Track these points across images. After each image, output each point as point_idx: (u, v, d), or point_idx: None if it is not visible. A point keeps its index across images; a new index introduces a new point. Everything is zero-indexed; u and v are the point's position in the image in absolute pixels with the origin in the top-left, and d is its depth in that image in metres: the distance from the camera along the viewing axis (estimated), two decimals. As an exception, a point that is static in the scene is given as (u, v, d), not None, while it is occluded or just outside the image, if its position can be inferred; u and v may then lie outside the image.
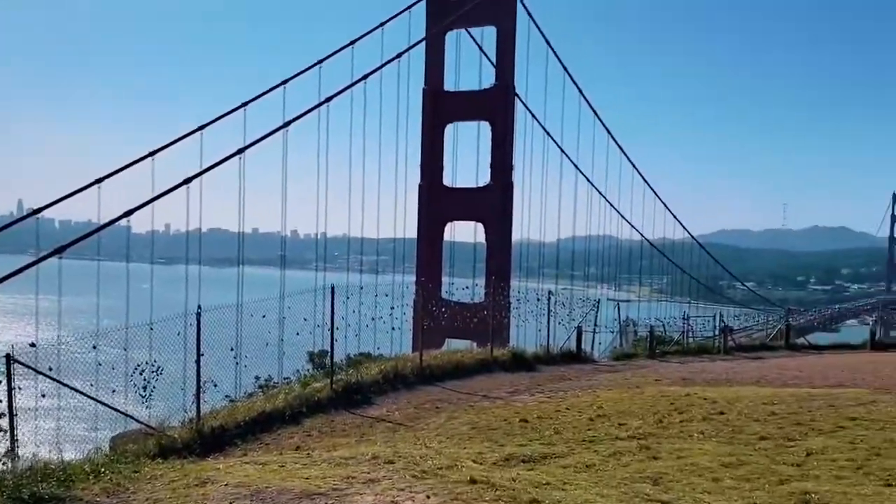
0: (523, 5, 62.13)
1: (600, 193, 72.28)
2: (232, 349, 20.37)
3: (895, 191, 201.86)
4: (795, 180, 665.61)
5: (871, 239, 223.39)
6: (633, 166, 76.28)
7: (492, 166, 61.88)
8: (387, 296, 29.61)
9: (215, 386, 17.84)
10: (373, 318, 28.08)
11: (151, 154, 45.59)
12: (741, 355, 30.32)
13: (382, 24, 59.44)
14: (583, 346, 29.01)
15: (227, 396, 20.34)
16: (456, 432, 14.52)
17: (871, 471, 9.20)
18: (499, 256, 61.30)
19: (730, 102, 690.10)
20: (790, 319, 37.11)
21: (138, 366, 15.67)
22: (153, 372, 15.46)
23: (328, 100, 54.00)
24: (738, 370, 24.41)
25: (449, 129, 64.83)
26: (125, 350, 17.68)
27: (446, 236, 66.30)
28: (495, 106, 61.30)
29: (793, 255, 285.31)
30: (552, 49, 65.29)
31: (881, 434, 11.75)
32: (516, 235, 66.64)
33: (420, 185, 63.42)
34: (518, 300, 31.78)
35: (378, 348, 29.99)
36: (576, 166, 68.69)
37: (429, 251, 62.88)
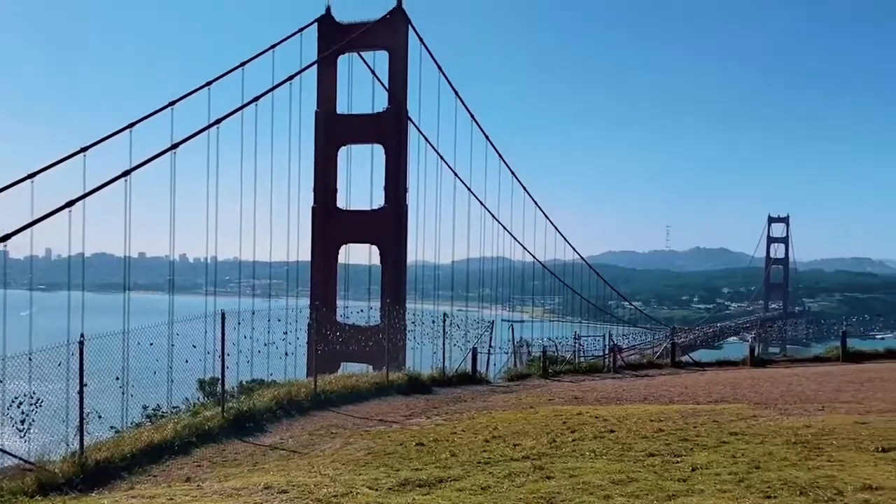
0: (415, 31, 62.83)
1: (493, 216, 73.39)
2: (117, 378, 19.59)
3: (770, 213, 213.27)
4: (678, 203, 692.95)
5: (749, 259, 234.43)
6: (525, 189, 77.84)
7: (386, 189, 62.09)
8: (279, 320, 29.14)
9: (100, 417, 17.08)
10: (265, 344, 27.57)
11: (30, 176, 43.75)
12: (630, 373, 31.16)
13: (274, 46, 59.11)
14: (478, 368, 29.22)
15: (112, 428, 19.52)
16: (351, 458, 14.34)
17: (752, 483, 9.59)
18: (394, 279, 61.36)
19: (612, 128, 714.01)
20: (675, 338, 38.41)
21: (16, 398, 14.84)
22: (32, 404, 14.67)
23: (218, 122, 53.17)
24: (627, 388, 25.07)
25: (343, 152, 64.76)
26: (1, 382, 16.74)
27: (341, 259, 65.99)
28: (388, 129, 61.60)
29: (677, 275, 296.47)
30: (444, 74, 66.22)
31: (761, 447, 12.27)
32: (411, 258, 66.93)
33: (314, 208, 62.99)
34: (413, 322, 31.79)
35: (271, 374, 29.41)
36: (469, 189, 69.60)
37: (323, 274, 62.38)
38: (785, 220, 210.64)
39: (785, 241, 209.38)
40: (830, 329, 39.12)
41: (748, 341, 39.29)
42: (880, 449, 11.49)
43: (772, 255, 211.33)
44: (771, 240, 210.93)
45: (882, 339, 40.61)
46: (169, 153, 49.24)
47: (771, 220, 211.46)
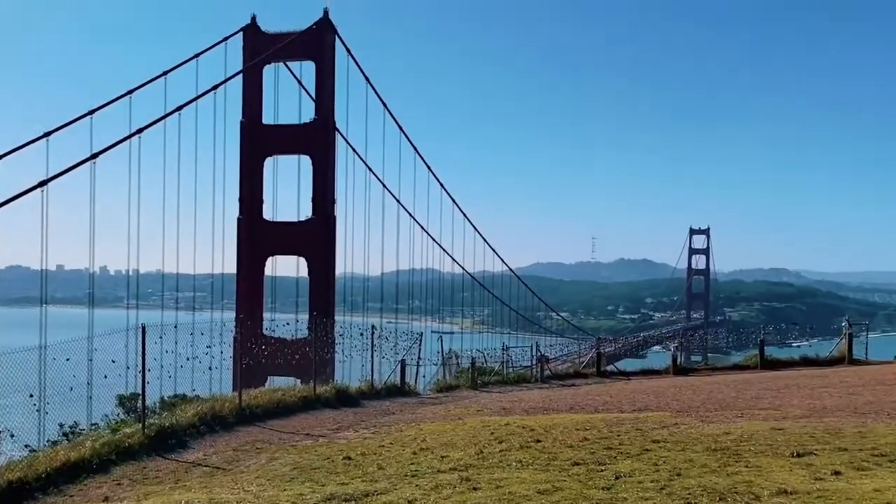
0: (342, 41, 62.61)
1: (422, 228, 73.52)
2: (31, 395, 18.89)
3: (692, 226, 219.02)
4: (603, 215, 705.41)
5: (672, 270, 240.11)
6: (454, 201, 78.26)
7: (313, 200, 61.59)
8: (202, 334, 28.57)
9: (12, 436, 16.44)
10: (188, 358, 26.97)
11: (-63, 186, 42.05)
12: (557, 383, 31.54)
13: (198, 55, 58.20)
14: (407, 380, 29.17)
15: (27, 446, 18.79)
16: (277, 473, 14.10)
17: (674, 490, 9.76)
18: (322, 291, 60.81)
19: (541, 140, 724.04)
20: (601, 348, 39.01)
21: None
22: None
23: (139, 131, 52.03)
24: (554, 398, 25.33)
25: (269, 163, 64.00)
26: None
27: (267, 271, 65.15)
28: (315, 140, 61.19)
29: (603, 285, 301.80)
30: (371, 85, 66.13)
31: (682, 455, 12.52)
32: (340, 270, 66.49)
33: (239, 219, 62.04)
34: (342, 335, 31.54)
35: (195, 389, 28.79)
36: (398, 201, 69.58)
37: (249, 287, 61.43)
38: (706, 231, 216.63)
39: (706, 252, 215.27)
40: (749, 338, 40.24)
41: (671, 350, 40.16)
42: (795, 454, 11.83)
43: (693, 266, 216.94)
44: (692, 251, 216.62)
45: (798, 346, 42.05)
46: (88, 163, 47.84)
47: (692, 231, 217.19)
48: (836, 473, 10.32)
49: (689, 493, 9.55)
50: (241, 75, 61.27)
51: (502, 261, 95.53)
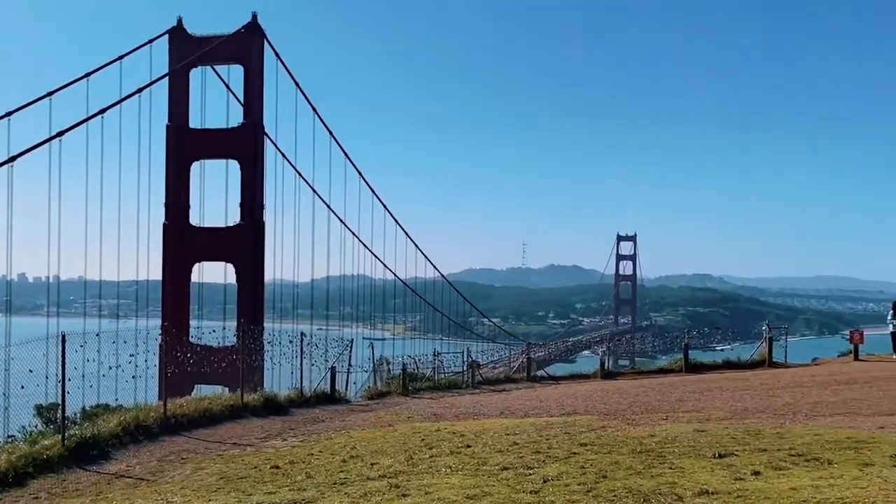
0: (271, 45, 61.96)
1: (353, 234, 73.18)
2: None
3: (619, 233, 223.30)
4: (534, 222, 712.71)
5: (600, 276, 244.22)
6: (385, 207, 78.19)
7: (241, 206, 60.72)
8: (126, 342, 27.83)
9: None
10: (109, 367, 26.23)
11: None
12: (488, 388, 31.69)
13: (122, 57, 56.95)
14: (337, 387, 28.92)
15: (-64, 462, 17.99)
16: (202, 484, 13.82)
17: (600, 493, 9.92)
18: (251, 297, 59.96)
19: (474, 146, 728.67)
20: (531, 353, 39.37)
21: None
22: None
23: (60, 134, 50.57)
24: (484, 403, 25.46)
25: (196, 167, 62.91)
26: None
27: (194, 277, 63.92)
28: (243, 144, 60.38)
29: (533, 291, 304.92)
30: (301, 90, 65.59)
31: (608, 457, 12.72)
32: (269, 276, 65.67)
33: (165, 225, 60.79)
34: (270, 342, 31.09)
35: (118, 399, 28.01)
36: (328, 206, 69.09)
37: (175, 294, 60.26)
38: (633, 238, 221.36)
39: (633, 258, 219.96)
40: (674, 342, 41.10)
41: (599, 355, 40.76)
42: (717, 455, 12.14)
43: (621, 271, 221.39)
44: (620, 257, 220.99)
45: (721, 350, 43.04)
46: (6, 167, 46.27)
47: (620, 238, 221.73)
48: (756, 473, 10.63)
49: (615, 495, 9.71)
50: (167, 78, 60.05)
51: (434, 267, 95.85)
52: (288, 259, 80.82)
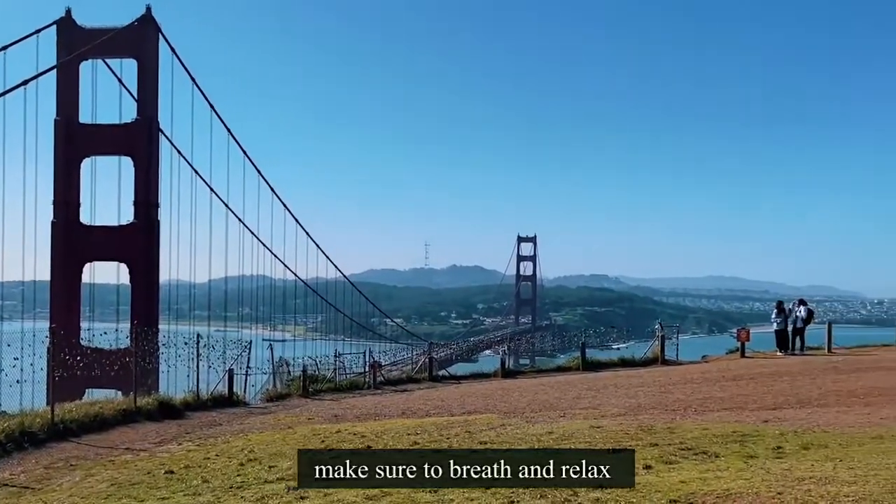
0: (166, 40, 60.18)
1: (252, 233, 71.87)
2: None
3: (520, 234, 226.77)
4: (436, 222, 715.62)
5: (501, 276, 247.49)
6: (284, 206, 77.09)
7: (135, 204, 58.75)
8: (9, 345, 26.52)
9: None
10: (-8, 372, 24.92)
11: None
12: (390, 389, 31.65)
13: (5, 48, 54.35)
14: (235, 389, 28.35)
15: None
16: (92, 491, 13.32)
17: (498, 490, 10.06)
18: (145, 298, 58.13)
19: (374, 143, 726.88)
20: (433, 353, 39.56)
21: None
22: None
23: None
24: (386, 403, 25.42)
25: (87, 164, 60.53)
26: None
27: (85, 278, 61.51)
28: (137, 141, 58.41)
29: (436, 291, 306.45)
30: (197, 86, 63.99)
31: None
32: (164, 276, 63.81)
33: (53, 223, 58.28)
34: (165, 344, 30.21)
35: (0, 405, 26.65)
36: (226, 205, 67.64)
37: (64, 294, 57.76)
38: (532, 239, 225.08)
39: (533, 259, 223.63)
40: (572, 341, 41.98)
41: (500, 354, 41.28)
42: (611, 450, 12.49)
43: (522, 272, 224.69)
44: (520, 258, 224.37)
45: (618, 349, 44.19)
46: None
47: (520, 239, 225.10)
48: (647, 467, 11.01)
49: (513, 492, 9.87)
50: (55, 71, 57.64)
51: (336, 267, 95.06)
52: (184, 259, 78.57)
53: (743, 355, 34.23)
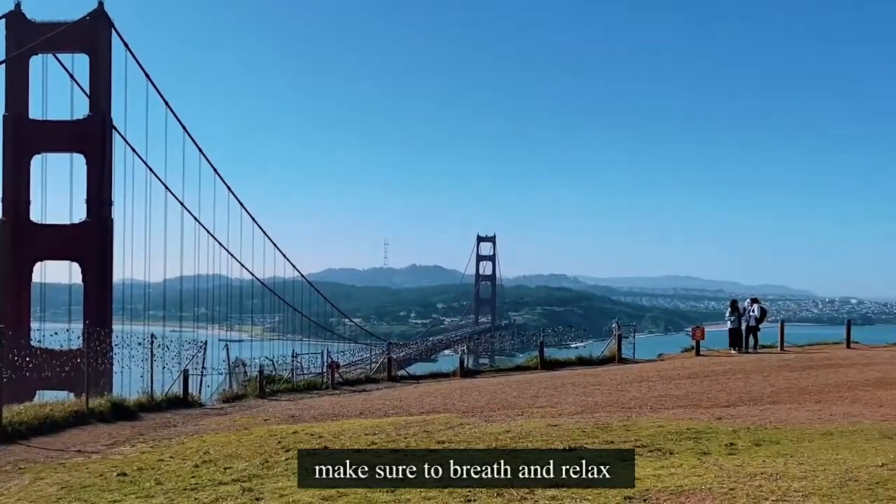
0: (119, 35, 59.12)
1: (208, 232, 71.06)
2: None
3: (479, 233, 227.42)
4: (395, 221, 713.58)
5: (461, 276, 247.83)
6: (241, 204, 76.40)
7: (88, 202, 57.67)
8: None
9: None
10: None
11: None
12: (348, 389, 31.48)
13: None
14: (191, 390, 27.98)
15: None
16: (41, 495, 13.04)
17: (455, 489, 10.05)
18: (98, 298, 57.09)
19: (332, 141, 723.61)
20: (392, 352, 39.45)
21: None
22: None
23: None
24: (344, 404, 25.29)
25: (37, 161, 59.26)
26: None
27: (36, 277, 60.25)
28: (90, 137, 57.28)
29: (395, 291, 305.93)
30: (151, 82, 63.08)
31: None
32: (118, 275, 62.74)
33: (2, 221, 56.99)
34: (119, 345, 29.71)
35: (-54, 408, 25.96)
36: (181, 203, 66.77)
37: (14, 294, 56.46)
38: (492, 239, 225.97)
39: (492, 259, 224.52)
40: (531, 340, 42.11)
41: (459, 354, 41.30)
42: (567, 448, 12.56)
43: (481, 272, 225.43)
44: (480, 258, 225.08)
45: (576, 347, 44.49)
46: None
47: (479, 239, 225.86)
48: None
49: (470, 492, 9.87)
50: (3, 66, 56.37)
51: (293, 266, 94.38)
52: (139, 257, 77.24)
53: (698, 354, 34.68)
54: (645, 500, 9.26)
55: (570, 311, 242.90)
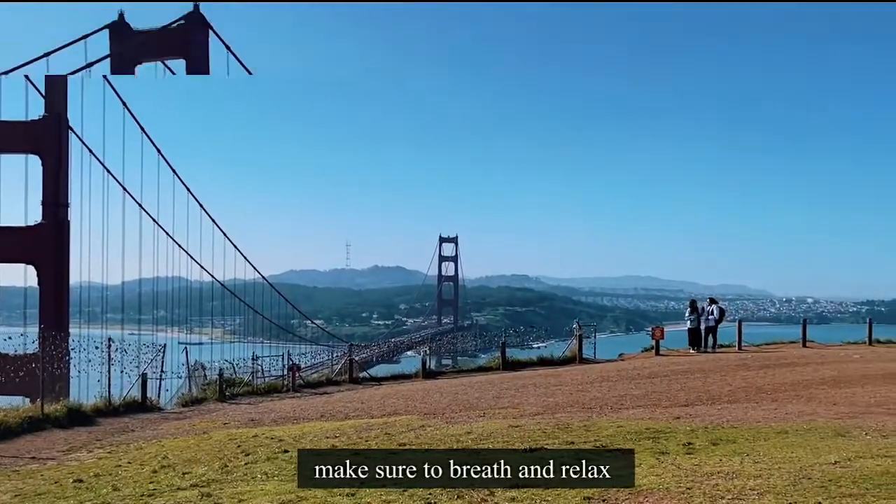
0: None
1: (167, 233, 70.20)
2: None
3: (441, 234, 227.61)
4: (357, 223, 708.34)
5: (423, 277, 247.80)
6: (200, 205, 75.57)
7: (43, 203, 56.56)
8: None
9: None
10: None
11: None
12: (310, 392, 31.32)
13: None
14: (149, 394, 27.63)
15: None
16: (-6, 504, 12.81)
17: (416, 492, 10.08)
18: (54, 301, 56.03)
19: (289, 142, 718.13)
20: (354, 354, 39.30)
21: None
22: None
23: None
24: (304, 407, 25.14)
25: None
26: None
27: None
28: (45, 138, 56.14)
29: (357, 292, 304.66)
30: (108, 82, 62.05)
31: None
32: (75, 278, 61.67)
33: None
34: (76, 349, 29.25)
35: None
36: (139, 205, 65.88)
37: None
38: (454, 240, 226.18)
39: (455, 259, 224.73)
40: (493, 340, 42.18)
41: (421, 355, 41.25)
42: (528, 449, 12.63)
43: (443, 272, 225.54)
44: (442, 258, 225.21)
45: (538, 348, 44.66)
46: None
47: (442, 239, 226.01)
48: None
49: (430, 493, 9.89)
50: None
51: (254, 268, 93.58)
52: (96, 259, 75.93)
53: (657, 353, 35.06)
54: (604, 500, 9.36)
55: (533, 312, 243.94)
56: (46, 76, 56.66)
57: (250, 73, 62.34)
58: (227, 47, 60.06)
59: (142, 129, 65.20)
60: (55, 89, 56.70)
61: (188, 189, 72.75)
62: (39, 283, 56.49)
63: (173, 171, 70.55)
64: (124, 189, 63.49)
